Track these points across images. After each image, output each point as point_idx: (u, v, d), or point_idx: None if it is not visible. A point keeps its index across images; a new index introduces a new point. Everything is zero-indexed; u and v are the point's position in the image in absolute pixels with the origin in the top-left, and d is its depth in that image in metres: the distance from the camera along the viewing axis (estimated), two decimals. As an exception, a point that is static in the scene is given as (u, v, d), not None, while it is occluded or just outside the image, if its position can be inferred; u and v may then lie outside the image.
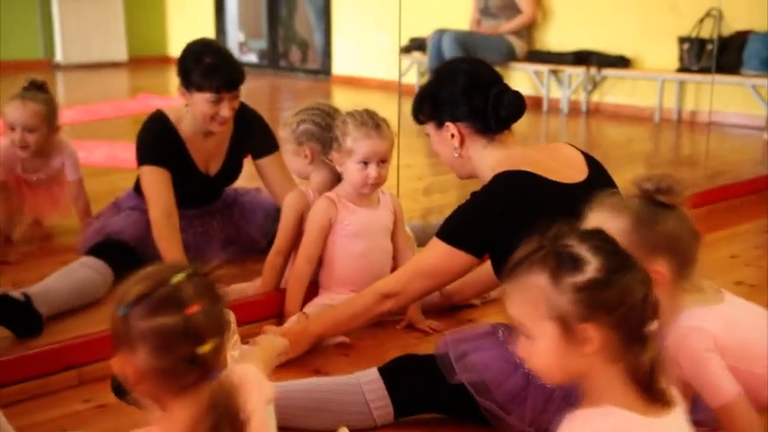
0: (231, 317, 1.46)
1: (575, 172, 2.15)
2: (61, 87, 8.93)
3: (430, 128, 2.29)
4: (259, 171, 3.12)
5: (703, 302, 1.66)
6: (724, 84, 6.18)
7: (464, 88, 2.20)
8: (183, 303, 1.20)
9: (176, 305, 1.20)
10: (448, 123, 2.22)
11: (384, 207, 2.66)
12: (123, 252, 2.87)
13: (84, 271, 2.76)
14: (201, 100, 2.79)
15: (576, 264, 1.28)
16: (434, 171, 5.04)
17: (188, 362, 1.21)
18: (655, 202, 1.60)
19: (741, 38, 6.22)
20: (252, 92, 2.94)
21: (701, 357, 1.59)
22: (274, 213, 3.01)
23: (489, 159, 2.20)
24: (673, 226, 1.60)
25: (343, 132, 2.52)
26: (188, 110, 2.88)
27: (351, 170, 2.53)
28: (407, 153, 4.54)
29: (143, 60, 10.21)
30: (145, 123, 2.97)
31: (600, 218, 1.61)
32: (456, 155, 2.24)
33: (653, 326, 1.28)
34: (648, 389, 1.28)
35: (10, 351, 2.27)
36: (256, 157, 3.09)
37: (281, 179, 3.02)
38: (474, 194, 2.16)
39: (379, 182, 2.55)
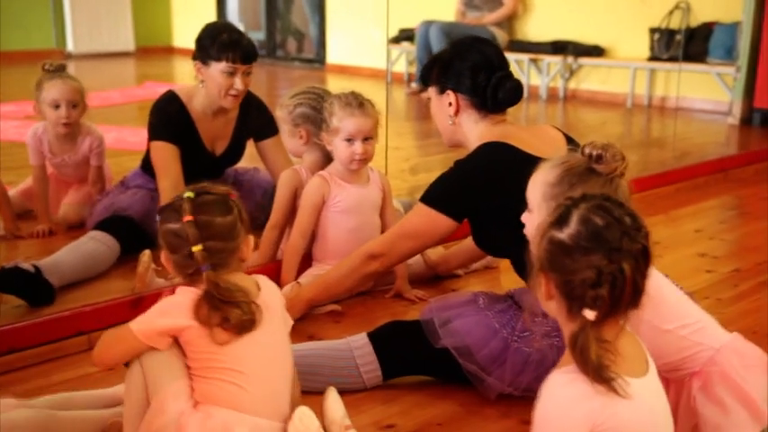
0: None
1: (555, 150, 2.15)
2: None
3: (432, 91, 2.28)
4: (260, 152, 3.13)
5: None
6: (691, 71, 6.17)
7: (472, 65, 2.19)
8: (182, 214, 1.52)
9: (178, 215, 1.53)
10: (449, 91, 2.21)
11: (373, 184, 2.66)
12: (129, 227, 2.86)
13: (93, 244, 2.75)
14: (218, 71, 2.78)
15: (561, 223, 1.30)
16: (420, 153, 5.04)
17: (187, 257, 1.52)
18: (589, 168, 1.59)
19: (707, 29, 6.21)
20: (252, 80, 2.93)
21: None
22: (271, 191, 3.00)
23: (478, 132, 2.19)
24: (590, 190, 1.49)
25: (330, 113, 2.53)
26: (201, 88, 2.87)
27: (338, 147, 2.54)
28: (395, 136, 4.54)
29: (149, 50, 10.15)
30: (157, 102, 2.96)
31: (542, 167, 1.65)
32: (450, 122, 2.24)
33: (587, 312, 1.26)
34: (578, 365, 1.26)
35: (24, 318, 2.27)
36: (258, 139, 3.09)
37: (280, 160, 3.02)
38: (457, 162, 2.15)
39: (365, 157, 2.55)
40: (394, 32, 7.74)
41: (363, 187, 2.62)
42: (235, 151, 3.10)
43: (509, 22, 7.30)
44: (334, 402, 1.70)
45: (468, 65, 2.20)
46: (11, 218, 3.11)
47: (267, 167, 3.16)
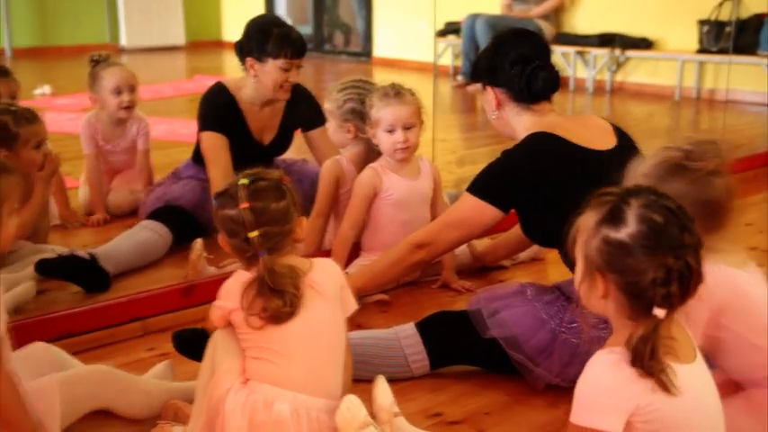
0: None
1: (603, 140, 2.12)
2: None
3: (479, 87, 2.29)
4: (308, 142, 3.14)
5: (715, 261, 1.51)
6: (741, 64, 6.05)
7: (507, 59, 2.17)
8: (238, 201, 1.55)
9: (235, 202, 1.56)
10: (488, 87, 2.21)
11: (424, 176, 2.65)
12: (181, 216, 2.90)
13: (146, 233, 2.79)
14: (274, 67, 2.80)
15: (617, 221, 1.27)
16: (467, 145, 5.02)
17: (244, 242, 1.56)
18: (680, 163, 1.57)
19: (758, 20, 6.08)
20: (299, 72, 2.95)
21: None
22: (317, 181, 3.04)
23: (524, 123, 2.17)
24: (679, 188, 1.50)
25: (370, 105, 2.54)
26: (251, 81, 2.89)
27: (381, 139, 2.54)
28: (442, 129, 4.52)
29: (199, 44, 10.25)
30: (206, 93, 2.99)
31: (643, 159, 1.65)
32: (494, 116, 2.23)
33: (657, 311, 1.24)
34: (636, 363, 1.24)
35: (81, 304, 2.31)
36: (306, 129, 3.10)
37: (328, 150, 3.03)
38: (504, 152, 2.14)
39: (408, 146, 2.54)
40: (440, 26, 7.70)
41: (414, 180, 2.62)
42: (282, 141, 3.12)
43: (556, 14, 7.22)
44: (383, 390, 1.70)
45: (504, 59, 2.18)
46: (66, 206, 3.17)
47: (315, 157, 3.17)
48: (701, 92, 6.52)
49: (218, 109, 2.91)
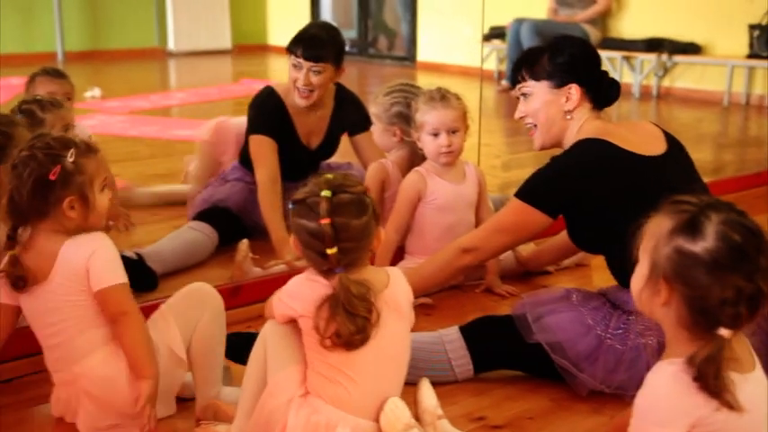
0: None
1: (654, 146, 2.09)
2: (173, 72, 9.13)
3: (541, 86, 2.17)
4: (354, 146, 3.16)
5: None
6: (792, 69, 5.95)
7: (593, 60, 2.17)
8: (319, 215, 1.49)
9: (315, 215, 1.50)
10: (573, 85, 2.13)
11: (469, 181, 2.64)
12: (228, 218, 2.94)
13: (193, 233, 2.83)
14: (290, 64, 2.87)
15: (695, 233, 1.25)
16: (511, 149, 5.00)
17: (320, 256, 1.51)
18: None
19: (810, 25, 5.97)
20: (343, 77, 2.98)
21: None
22: None
23: (581, 127, 2.14)
24: None
25: (415, 109, 2.55)
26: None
27: (426, 143, 2.54)
28: (486, 133, 4.51)
29: (245, 48, 10.36)
30: (255, 97, 3.03)
31: None
32: (567, 117, 2.15)
33: (723, 331, 1.22)
34: (700, 381, 1.22)
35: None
36: (352, 133, 3.12)
37: (374, 154, 3.04)
38: (554, 158, 2.11)
39: (452, 150, 2.53)
40: (485, 30, 7.69)
41: (459, 184, 2.61)
42: (329, 145, 3.14)
43: (602, 19, 7.17)
44: (427, 392, 1.71)
45: (589, 60, 2.17)
46: (116, 207, 3.20)
47: (360, 160, 3.19)
48: (750, 98, 6.43)
49: (268, 113, 2.94)
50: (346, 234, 1.50)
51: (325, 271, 1.53)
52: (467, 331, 2.05)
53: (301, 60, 2.82)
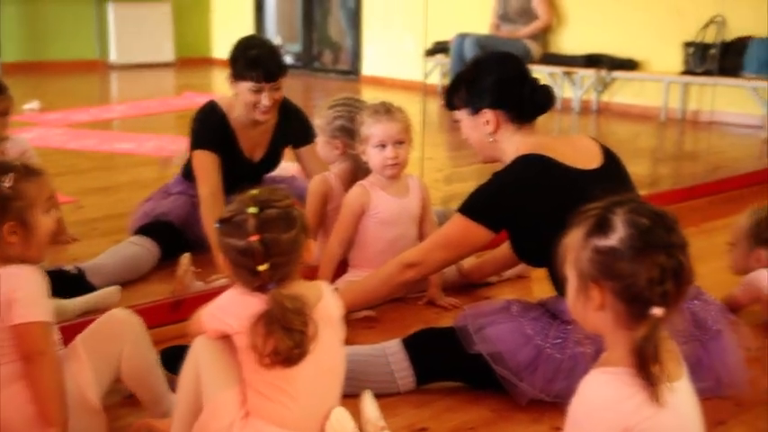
0: None
1: (590, 160, 2.15)
2: (114, 85, 9.02)
3: (462, 113, 2.26)
4: (298, 158, 3.18)
5: None
6: (726, 86, 6.13)
7: (503, 78, 2.19)
8: (247, 232, 1.48)
9: (243, 233, 1.49)
10: (485, 110, 2.19)
11: (413, 195, 2.67)
12: (170, 232, 2.92)
13: (134, 248, 2.81)
14: (245, 89, 2.84)
15: (605, 230, 1.29)
16: (454, 163, 5.05)
17: (251, 273, 1.50)
18: None
19: (742, 43, 6.16)
20: (287, 90, 2.98)
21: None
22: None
23: (515, 145, 2.18)
24: None
25: (360, 123, 2.58)
26: (237, 99, 2.92)
27: (371, 155, 2.57)
28: (430, 147, 4.56)
29: (189, 61, 10.28)
30: (198, 111, 3.01)
31: (743, 215, 2.65)
32: (490, 140, 2.21)
33: (656, 310, 1.26)
34: (639, 367, 1.26)
35: (61, 319, 2.31)
36: (296, 146, 3.14)
37: (318, 166, 3.05)
38: (495, 174, 2.15)
39: (398, 162, 2.56)
40: (428, 45, 7.76)
41: (403, 198, 2.64)
42: (272, 158, 3.14)
43: (543, 35, 7.29)
44: (369, 404, 1.73)
45: (498, 78, 2.19)
46: (58, 222, 3.15)
47: (304, 172, 3.20)
48: (685, 113, 6.60)
49: (210, 128, 2.93)
50: (276, 249, 1.50)
51: (257, 288, 1.52)
52: (409, 343, 2.07)
53: (263, 84, 2.82)
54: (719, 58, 6.11)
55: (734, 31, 6.23)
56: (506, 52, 2.35)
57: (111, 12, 9.62)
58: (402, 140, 2.57)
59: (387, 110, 2.56)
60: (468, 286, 2.79)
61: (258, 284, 1.51)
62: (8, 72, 8.75)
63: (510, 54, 2.32)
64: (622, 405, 1.26)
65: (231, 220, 1.52)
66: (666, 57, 6.65)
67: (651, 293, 1.26)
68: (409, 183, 2.68)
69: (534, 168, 2.10)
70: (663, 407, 1.25)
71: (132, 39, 9.76)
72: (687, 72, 6.44)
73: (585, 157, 2.15)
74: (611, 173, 2.16)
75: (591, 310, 1.33)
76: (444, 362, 2.06)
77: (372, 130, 2.54)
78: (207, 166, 2.88)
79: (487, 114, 2.19)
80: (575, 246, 1.33)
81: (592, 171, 2.11)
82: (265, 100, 2.84)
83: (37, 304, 1.61)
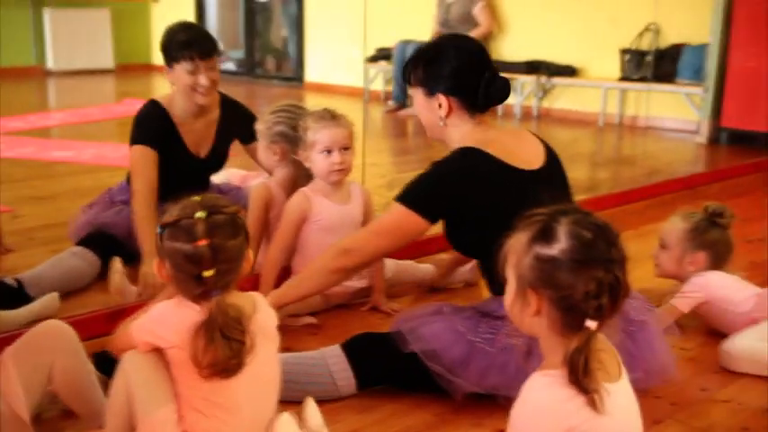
0: None
1: (533, 158, 2.17)
2: (52, 92, 8.85)
3: (417, 92, 2.25)
4: (250, 154, 3.14)
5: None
6: (661, 92, 6.28)
7: (461, 65, 2.17)
8: (195, 237, 1.46)
9: (190, 237, 1.47)
10: (439, 95, 2.19)
11: (355, 201, 2.67)
12: (112, 245, 2.86)
13: (75, 260, 2.75)
14: (181, 71, 2.82)
15: (548, 238, 1.31)
16: (397, 169, 5.08)
17: (195, 279, 1.47)
18: (709, 221, 2.58)
19: (676, 50, 6.32)
20: (218, 74, 2.95)
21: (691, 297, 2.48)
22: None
23: (461, 133, 2.18)
24: (713, 237, 2.58)
25: (305, 128, 2.57)
26: (176, 92, 2.89)
27: (316, 161, 2.56)
28: (372, 153, 4.57)
29: (128, 67, 10.14)
30: (139, 110, 2.97)
31: (675, 219, 2.64)
32: (441, 123, 2.21)
33: (590, 323, 1.28)
34: (571, 377, 1.27)
35: (5, 330, 2.26)
36: (246, 142, 3.11)
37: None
38: (435, 164, 2.15)
39: (343, 167, 2.57)
40: (371, 52, 7.79)
41: (345, 204, 2.64)
42: (219, 153, 3.10)
43: (485, 41, 7.37)
44: (312, 411, 1.73)
45: (457, 65, 2.17)
46: None
47: (261, 167, 3.10)
48: (623, 118, 6.74)
49: (150, 124, 2.89)
50: (223, 255, 1.48)
51: (198, 295, 1.49)
52: (348, 347, 2.08)
53: (198, 62, 2.80)
54: (654, 64, 6.25)
55: (668, 39, 6.39)
56: (469, 36, 2.33)
57: (48, 17, 9.44)
58: (348, 146, 2.57)
59: (332, 116, 2.57)
60: (427, 292, 2.82)
61: (200, 291, 1.48)
62: (-59, 79, 8.53)
63: (472, 39, 2.31)
64: (563, 407, 1.28)
65: (177, 223, 1.49)
66: (604, 63, 6.78)
67: (587, 306, 1.28)
68: (351, 190, 2.69)
69: (472, 163, 2.11)
70: (600, 411, 1.28)
71: (70, 45, 9.59)
72: (624, 78, 6.58)
73: (529, 155, 2.18)
74: (551, 175, 2.20)
75: (527, 315, 1.35)
76: (383, 365, 2.07)
77: (318, 135, 2.53)
78: (143, 161, 2.82)
79: (441, 99, 2.19)
80: (517, 250, 1.35)
81: (531, 172, 2.14)
82: (202, 79, 2.82)
83: None
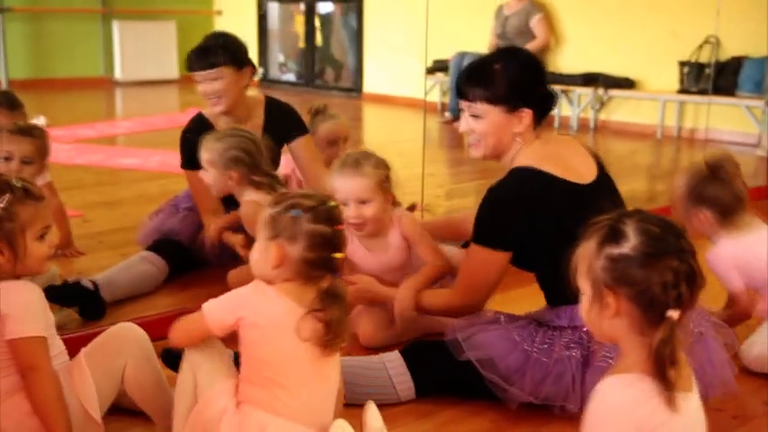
0: None
1: (587, 171, 2.14)
2: (119, 101, 9.07)
3: (492, 111, 2.11)
4: (292, 153, 3.13)
5: (739, 235, 2.39)
6: (720, 104, 6.17)
7: (533, 78, 2.14)
8: (335, 221, 1.61)
9: (332, 221, 1.60)
10: (525, 109, 2.11)
11: (393, 247, 2.42)
12: (179, 250, 2.92)
13: (145, 266, 2.82)
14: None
15: (617, 238, 1.32)
16: (454, 179, 5.09)
17: (326, 261, 1.60)
18: (709, 175, 2.40)
19: (737, 62, 6.21)
20: (223, 84, 2.96)
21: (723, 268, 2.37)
22: None
23: (523, 151, 2.14)
24: (714, 191, 2.39)
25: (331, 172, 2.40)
26: None
27: None
28: (431, 163, 4.58)
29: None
30: (185, 128, 3.03)
31: (678, 177, 2.49)
32: (517, 139, 2.13)
33: (672, 313, 1.29)
34: (657, 370, 1.29)
35: (79, 330, 2.33)
36: (288, 141, 3.07)
37: (311, 160, 3.06)
38: (491, 192, 2.10)
39: (357, 222, 2.33)
40: (429, 63, 7.81)
41: (381, 254, 2.43)
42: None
43: (541, 54, 7.33)
44: (373, 415, 1.74)
45: (540, 80, 2.16)
46: (68, 235, 3.19)
47: (299, 168, 3.15)
48: (681, 131, 6.64)
49: (190, 145, 2.82)
50: (346, 241, 1.65)
51: (315, 277, 1.61)
52: (406, 353, 2.10)
53: (197, 74, 2.87)
54: (714, 77, 6.15)
55: (728, 51, 6.28)
56: (519, 48, 2.27)
57: (117, 29, 9.66)
58: (368, 199, 2.32)
59: (355, 163, 2.32)
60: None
61: (319, 273, 1.60)
62: (15, 89, 8.75)
63: (525, 50, 2.27)
64: (638, 409, 1.28)
65: (317, 208, 1.60)
66: (662, 76, 6.69)
67: (666, 297, 1.29)
68: (390, 240, 2.42)
69: (527, 183, 2.07)
70: (677, 412, 1.28)
71: (137, 56, 9.80)
72: (683, 91, 6.48)
73: (582, 169, 2.15)
74: (605, 187, 2.18)
75: (606, 318, 1.35)
76: (440, 372, 2.08)
77: (335, 185, 2.33)
78: (198, 188, 2.84)
79: (524, 113, 2.11)
80: (587, 256, 1.36)
81: (587, 185, 2.11)
82: (206, 89, 2.87)
83: (29, 320, 1.63)
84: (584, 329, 1.96)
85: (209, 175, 2.67)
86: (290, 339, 1.58)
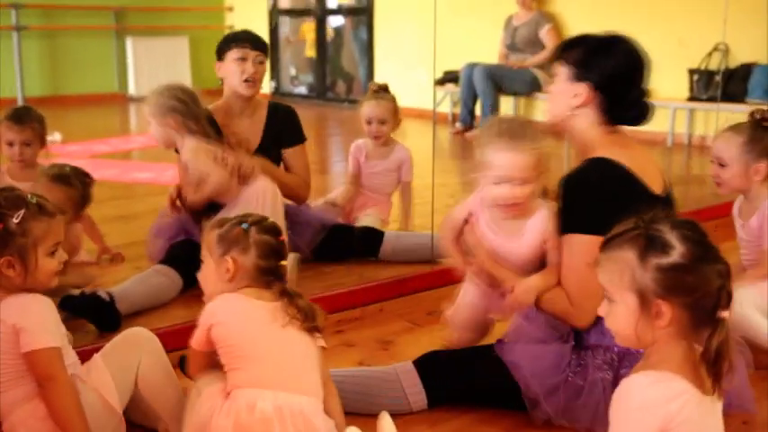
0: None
1: (656, 183, 2.05)
2: (133, 117, 9.12)
3: (562, 71, 2.07)
4: (283, 159, 3.24)
5: None
6: (730, 111, 6.15)
7: (624, 68, 2.05)
8: (278, 233, 1.78)
9: (275, 233, 1.78)
10: (585, 84, 2.03)
11: (529, 235, 2.09)
12: (192, 262, 2.91)
13: (159, 277, 2.84)
14: (231, 60, 3.01)
15: (662, 247, 1.33)
16: (465, 189, 5.08)
17: (275, 268, 1.76)
18: (761, 126, 2.51)
19: (746, 69, 6.20)
20: (301, 120, 3.05)
21: None
22: (319, 227, 3.20)
23: (590, 134, 2.05)
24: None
25: (480, 142, 2.11)
26: (225, 92, 3.11)
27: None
28: (441, 173, 4.57)
29: (205, 93, 10.32)
30: None
31: (727, 135, 2.57)
32: (569, 113, 2.05)
33: (724, 313, 1.31)
34: (711, 368, 1.31)
35: (94, 342, 2.35)
36: (284, 146, 3.20)
37: (299, 169, 3.20)
38: (568, 180, 2.00)
39: (515, 203, 2.03)
40: (439, 74, 7.83)
41: (513, 240, 2.12)
42: (266, 154, 3.14)
43: (551, 63, 7.32)
44: (387, 425, 1.76)
45: (615, 66, 2.03)
46: (101, 242, 3.28)
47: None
48: (692, 138, 6.62)
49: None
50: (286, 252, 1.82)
51: (268, 282, 1.76)
52: (420, 363, 2.10)
53: (248, 50, 2.98)
54: (723, 84, 6.14)
55: (738, 58, 6.27)
56: (640, 49, 2.12)
57: (130, 46, 9.73)
58: (525, 180, 2.01)
59: (513, 135, 2.01)
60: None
61: (271, 279, 1.75)
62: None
63: (641, 55, 2.12)
64: (666, 406, 1.30)
65: (261, 222, 1.78)
66: (672, 84, 6.68)
67: (719, 299, 1.31)
68: (528, 227, 2.09)
69: (608, 172, 1.97)
70: (706, 413, 1.31)
71: (151, 72, 9.85)
72: (692, 98, 6.47)
73: (655, 179, 2.05)
74: (672, 204, 2.10)
75: (657, 328, 1.35)
76: (453, 384, 2.08)
77: (494, 159, 2.02)
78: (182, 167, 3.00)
79: (583, 89, 2.02)
80: (627, 267, 1.35)
81: (662, 198, 2.03)
82: (250, 68, 2.98)
83: (44, 331, 1.66)
84: (616, 350, 1.93)
85: (152, 127, 2.90)
86: (256, 321, 1.70)
